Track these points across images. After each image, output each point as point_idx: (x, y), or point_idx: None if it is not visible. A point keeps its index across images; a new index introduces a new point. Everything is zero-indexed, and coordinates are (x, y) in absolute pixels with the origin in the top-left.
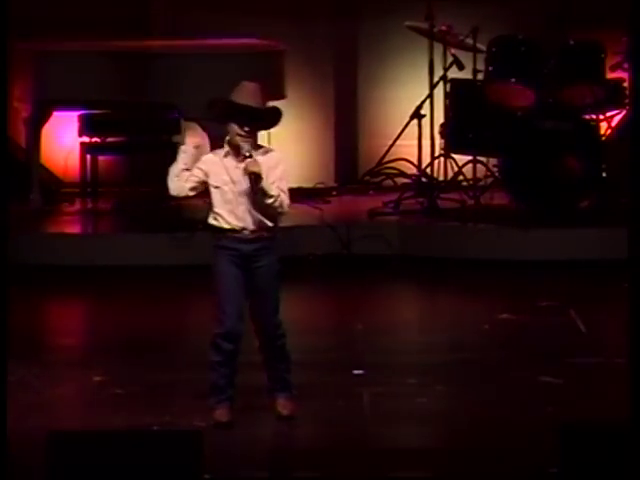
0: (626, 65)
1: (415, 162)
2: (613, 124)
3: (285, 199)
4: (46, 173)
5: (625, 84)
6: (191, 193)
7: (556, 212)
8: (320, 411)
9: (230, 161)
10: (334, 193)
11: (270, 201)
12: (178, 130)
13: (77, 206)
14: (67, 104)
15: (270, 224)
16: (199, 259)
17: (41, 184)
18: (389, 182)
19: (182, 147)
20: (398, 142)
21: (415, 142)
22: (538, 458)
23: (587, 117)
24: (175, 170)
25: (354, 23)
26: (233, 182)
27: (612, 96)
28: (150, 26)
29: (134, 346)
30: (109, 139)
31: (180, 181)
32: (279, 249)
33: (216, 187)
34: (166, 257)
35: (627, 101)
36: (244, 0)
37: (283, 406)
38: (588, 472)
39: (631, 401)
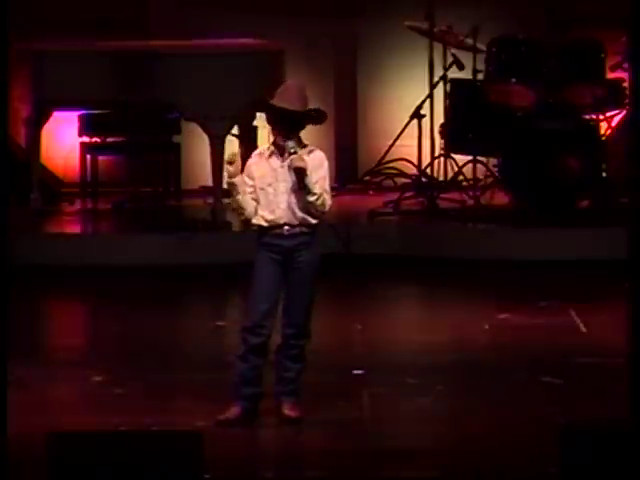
0: (626, 65)
1: (415, 162)
2: (613, 124)
3: (327, 199)
4: (46, 173)
5: (625, 84)
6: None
7: (556, 212)
8: (320, 411)
9: (275, 161)
10: (334, 193)
11: (313, 199)
12: (178, 130)
13: (77, 206)
14: (67, 104)
15: (312, 221)
16: (199, 259)
17: (41, 184)
18: (389, 182)
19: (232, 180)
20: (398, 142)
21: (415, 142)
22: (538, 458)
23: (587, 117)
24: (239, 203)
25: (354, 23)
26: (278, 181)
27: (612, 96)
28: (150, 26)
29: (134, 346)
30: (109, 139)
31: (250, 207)
32: (319, 246)
33: (261, 189)
34: (166, 257)
35: (627, 101)
36: (244, 0)
37: (290, 409)
38: (588, 472)
39: (631, 401)
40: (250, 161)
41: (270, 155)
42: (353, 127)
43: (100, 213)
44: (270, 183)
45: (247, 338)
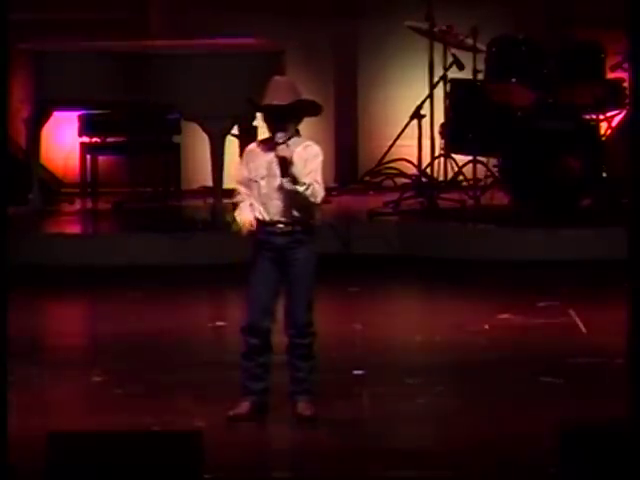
0: (626, 65)
1: (415, 162)
2: (613, 124)
3: (319, 190)
4: (46, 173)
5: (625, 84)
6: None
7: (556, 212)
8: (320, 411)
9: (270, 155)
10: (334, 193)
11: (301, 189)
12: (178, 130)
13: (77, 206)
14: (67, 104)
15: (305, 218)
16: (199, 259)
17: (41, 184)
18: (389, 182)
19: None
20: (398, 142)
21: (415, 142)
22: (538, 458)
23: (587, 117)
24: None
25: (354, 23)
26: (270, 176)
27: (612, 96)
28: (149, 26)
29: (134, 346)
30: (109, 139)
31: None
32: (316, 244)
33: (255, 181)
34: (166, 257)
35: (627, 101)
36: (244, 0)
37: (304, 408)
38: (588, 472)
39: (631, 401)
40: (248, 148)
41: (268, 148)
42: (353, 127)
43: (100, 213)
44: (263, 176)
45: (246, 338)
